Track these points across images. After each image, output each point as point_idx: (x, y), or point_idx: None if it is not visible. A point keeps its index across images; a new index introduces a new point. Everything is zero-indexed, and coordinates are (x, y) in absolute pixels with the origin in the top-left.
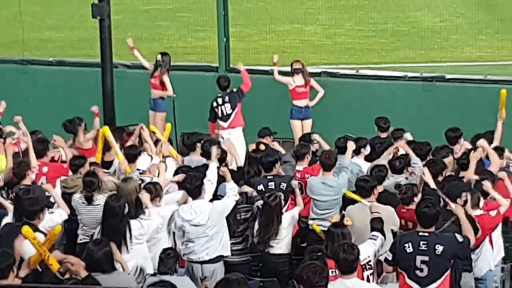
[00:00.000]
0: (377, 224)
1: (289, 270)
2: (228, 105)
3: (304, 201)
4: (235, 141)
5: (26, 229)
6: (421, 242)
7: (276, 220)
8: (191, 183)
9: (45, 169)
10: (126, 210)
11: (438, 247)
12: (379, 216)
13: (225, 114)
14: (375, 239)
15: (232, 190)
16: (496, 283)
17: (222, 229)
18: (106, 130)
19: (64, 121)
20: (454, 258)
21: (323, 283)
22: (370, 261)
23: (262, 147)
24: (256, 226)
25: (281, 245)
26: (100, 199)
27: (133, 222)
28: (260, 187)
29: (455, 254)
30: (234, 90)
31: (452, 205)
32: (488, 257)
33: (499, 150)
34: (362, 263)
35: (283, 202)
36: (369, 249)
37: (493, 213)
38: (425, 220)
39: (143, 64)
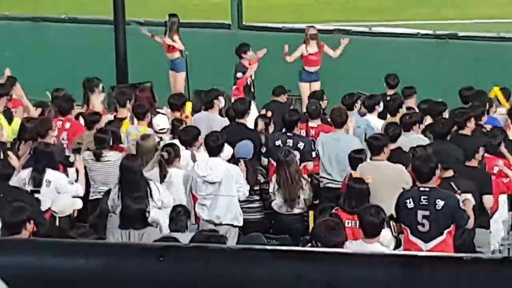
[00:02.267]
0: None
1: (301, 227)
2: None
3: (316, 161)
4: None
5: None
6: (422, 197)
7: (297, 173)
8: (214, 141)
9: (67, 125)
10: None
11: (438, 201)
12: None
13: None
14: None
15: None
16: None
17: (232, 196)
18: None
19: (84, 78)
20: (452, 218)
21: (339, 239)
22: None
23: (269, 114)
24: (272, 186)
25: (297, 206)
26: (110, 155)
27: (152, 185)
28: (278, 142)
29: (453, 215)
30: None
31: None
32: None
33: None
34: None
35: (298, 160)
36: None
37: (505, 179)
38: (420, 174)
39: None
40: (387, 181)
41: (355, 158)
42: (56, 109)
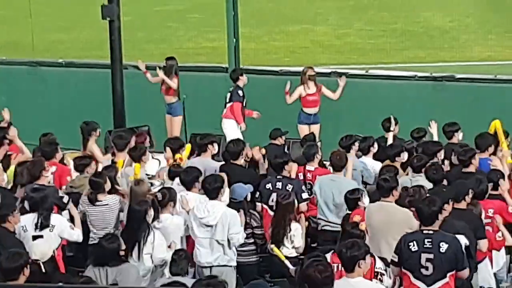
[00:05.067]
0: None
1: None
2: (228, 95)
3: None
4: (225, 132)
5: None
6: (426, 240)
7: (288, 218)
8: (211, 183)
9: (52, 168)
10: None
11: (442, 244)
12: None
13: (226, 101)
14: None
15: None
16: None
17: (226, 240)
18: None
19: (81, 122)
20: (455, 262)
21: (328, 281)
22: (383, 274)
23: (263, 151)
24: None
25: (292, 250)
26: (107, 199)
27: (151, 234)
28: (268, 185)
29: (456, 259)
30: (237, 90)
31: None
32: (490, 271)
33: None
34: (376, 270)
35: (296, 202)
36: (381, 266)
37: (498, 237)
38: (424, 217)
39: (166, 81)
40: (393, 223)
41: (351, 199)
42: (39, 153)
